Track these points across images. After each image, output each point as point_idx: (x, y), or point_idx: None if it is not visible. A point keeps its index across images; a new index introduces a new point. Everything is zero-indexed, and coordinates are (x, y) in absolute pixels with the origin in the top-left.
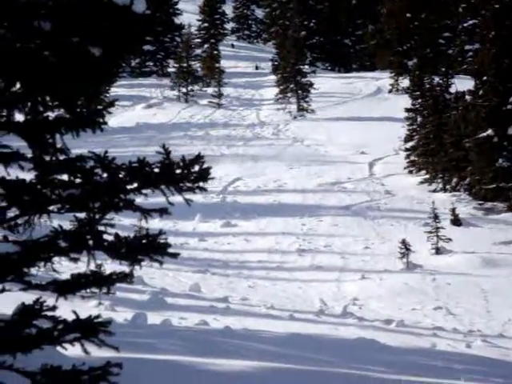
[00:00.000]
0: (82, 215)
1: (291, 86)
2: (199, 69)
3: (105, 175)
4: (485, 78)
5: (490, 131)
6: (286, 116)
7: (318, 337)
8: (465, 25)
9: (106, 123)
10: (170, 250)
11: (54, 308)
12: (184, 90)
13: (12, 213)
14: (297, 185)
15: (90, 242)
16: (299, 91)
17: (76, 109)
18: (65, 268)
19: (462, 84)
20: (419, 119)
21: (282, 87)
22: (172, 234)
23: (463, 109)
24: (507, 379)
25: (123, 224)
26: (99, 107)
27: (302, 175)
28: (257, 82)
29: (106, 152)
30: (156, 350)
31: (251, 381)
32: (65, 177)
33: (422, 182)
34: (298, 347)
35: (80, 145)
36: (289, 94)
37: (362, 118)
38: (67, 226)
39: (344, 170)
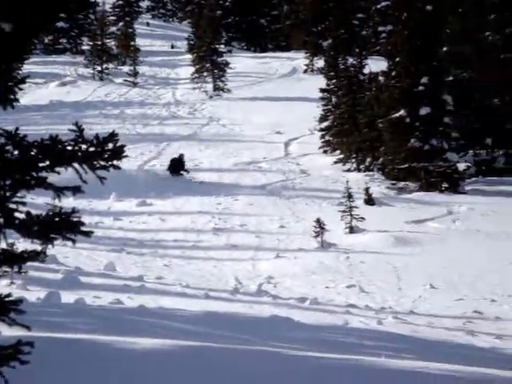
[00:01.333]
0: None
1: (207, 65)
2: (114, 47)
3: (16, 152)
4: (397, 59)
5: (402, 112)
6: (202, 95)
7: (232, 315)
8: (378, 6)
9: (17, 100)
10: (84, 229)
11: None
12: (99, 68)
13: None
14: (213, 164)
15: (1, 220)
16: (215, 70)
17: None
18: None
19: (376, 65)
20: (334, 99)
21: (197, 66)
22: (87, 213)
23: (376, 90)
24: (417, 354)
25: (36, 202)
26: (10, 84)
27: (218, 154)
28: (172, 60)
29: (17, 129)
30: (69, 329)
31: (164, 359)
32: None
33: (336, 162)
34: (212, 325)
35: None
36: (205, 74)
37: (278, 97)
38: None
39: (260, 149)
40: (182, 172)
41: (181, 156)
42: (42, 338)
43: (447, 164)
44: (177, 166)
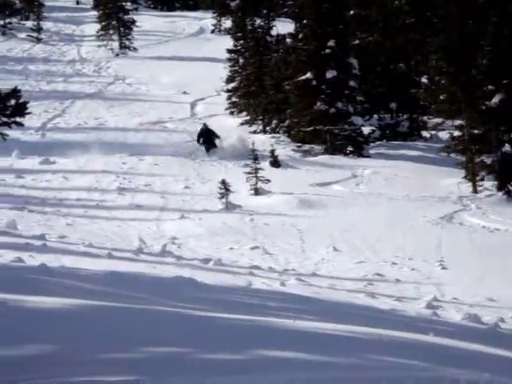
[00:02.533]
0: None
1: (113, 22)
2: (17, 1)
3: None
4: (305, 21)
5: (309, 74)
6: (108, 53)
7: (135, 275)
8: None
9: None
10: None
11: None
12: (1, 22)
13: None
14: (118, 123)
15: None
16: (121, 28)
17: None
18: None
19: (284, 27)
20: (241, 61)
21: (103, 23)
22: None
23: (284, 52)
24: (318, 315)
25: None
26: None
27: (124, 114)
28: (78, 17)
29: None
30: None
31: (62, 317)
32: None
33: (242, 124)
34: (115, 285)
35: None
36: (111, 31)
37: (185, 57)
38: None
39: (166, 109)
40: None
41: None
42: None
43: (352, 127)
44: (208, 137)
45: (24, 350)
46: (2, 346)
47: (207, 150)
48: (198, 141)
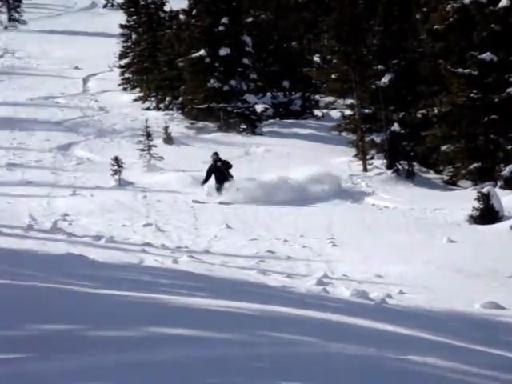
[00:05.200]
0: None
1: None
2: None
3: None
4: None
5: (202, 51)
6: None
7: (25, 251)
8: None
9: None
10: None
11: None
12: None
13: None
14: (7, 98)
15: None
16: (10, 0)
17: None
18: None
19: (177, 2)
20: (134, 36)
21: None
22: None
23: (177, 28)
24: (210, 292)
25: None
26: None
27: (13, 88)
28: None
29: None
30: None
31: None
32: None
33: (136, 100)
34: (3, 261)
35: None
36: None
37: (77, 32)
38: None
39: (57, 84)
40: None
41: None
42: None
43: (245, 105)
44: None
45: None
46: None
47: (218, 189)
48: (204, 181)
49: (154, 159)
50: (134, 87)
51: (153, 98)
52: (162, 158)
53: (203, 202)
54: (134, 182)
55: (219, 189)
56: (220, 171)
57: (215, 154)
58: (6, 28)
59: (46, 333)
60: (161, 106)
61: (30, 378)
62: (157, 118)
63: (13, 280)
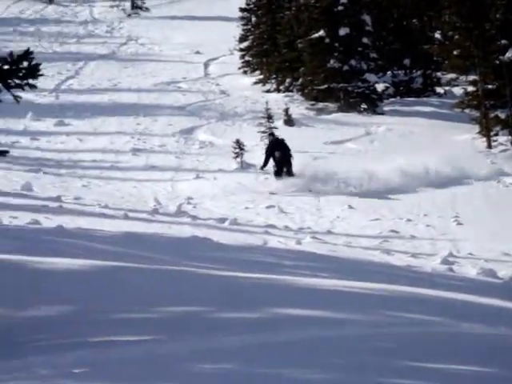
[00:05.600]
0: None
1: None
2: None
3: None
4: None
5: (321, 32)
6: (120, 14)
7: (151, 235)
8: None
9: None
10: None
11: None
12: None
13: None
14: (132, 84)
15: None
16: None
17: None
18: None
19: None
20: (254, 19)
21: None
22: (3, 133)
23: (296, 9)
24: (334, 273)
25: None
26: None
27: (137, 74)
28: None
29: None
30: None
31: (80, 278)
32: None
33: (256, 83)
34: (131, 246)
35: None
36: None
37: (198, 17)
38: None
39: (179, 69)
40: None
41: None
42: None
43: (366, 85)
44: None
45: (42, 311)
46: (21, 307)
47: (278, 173)
48: (263, 165)
49: None
50: (254, 70)
51: (273, 80)
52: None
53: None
54: (255, 164)
55: (280, 173)
56: (282, 149)
57: (271, 134)
58: (129, 15)
59: (174, 315)
60: (281, 87)
61: (160, 360)
62: (277, 100)
63: (142, 263)
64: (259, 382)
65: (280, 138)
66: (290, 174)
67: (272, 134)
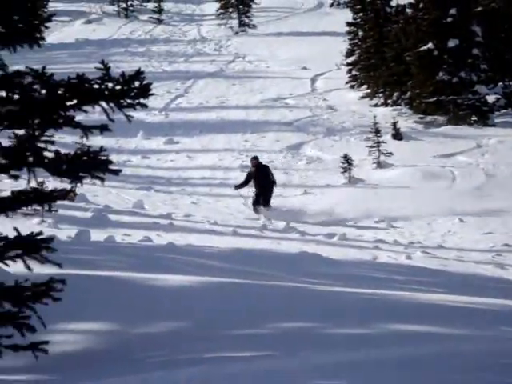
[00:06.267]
0: (21, 132)
1: (232, 0)
2: None
3: (43, 91)
4: None
5: (430, 44)
6: (228, 31)
7: (261, 251)
8: None
9: (43, 38)
10: (112, 167)
11: None
12: (124, 5)
13: None
14: (239, 101)
15: (30, 159)
16: (240, 6)
17: (12, 23)
18: (5, 185)
19: None
20: (360, 33)
21: (223, 2)
22: (114, 152)
23: (404, 22)
24: (447, 288)
25: (65, 141)
26: (36, 22)
27: (245, 91)
28: None
29: (44, 68)
30: (99, 267)
31: (192, 295)
32: (2, 93)
33: (363, 97)
34: (241, 262)
35: (19, 61)
36: (230, 9)
37: (304, 32)
38: (6, 143)
39: (286, 85)
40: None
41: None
42: (74, 276)
43: (476, 96)
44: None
45: (156, 328)
46: (136, 323)
47: (256, 203)
48: (239, 186)
49: (383, 155)
50: (361, 84)
51: (380, 94)
52: (391, 153)
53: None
54: (363, 178)
55: (258, 200)
56: (264, 176)
57: (255, 158)
58: (236, 33)
59: (289, 330)
60: (388, 101)
61: (274, 376)
62: (385, 114)
63: (253, 279)
64: None
65: (263, 164)
66: (266, 203)
67: (255, 158)
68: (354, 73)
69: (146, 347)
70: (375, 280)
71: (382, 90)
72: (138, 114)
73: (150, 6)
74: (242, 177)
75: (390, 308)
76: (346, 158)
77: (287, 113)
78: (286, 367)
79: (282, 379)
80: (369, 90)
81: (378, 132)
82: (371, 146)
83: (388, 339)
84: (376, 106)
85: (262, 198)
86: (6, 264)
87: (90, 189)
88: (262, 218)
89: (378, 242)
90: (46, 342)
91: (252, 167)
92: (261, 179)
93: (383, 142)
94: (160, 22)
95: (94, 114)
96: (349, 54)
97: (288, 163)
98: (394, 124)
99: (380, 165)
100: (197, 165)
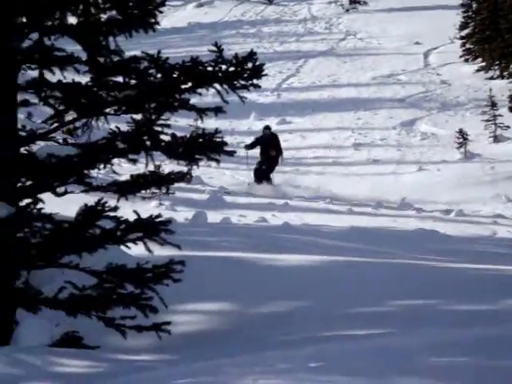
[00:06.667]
0: (138, 116)
1: None
2: None
3: (159, 75)
4: None
5: None
6: (338, 9)
7: (377, 229)
8: None
9: (157, 23)
10: (227, 149)
11: (115, 208)
12: None
13: (70, 116)
14: (351, 79)
15: (148, 143)
16: None
17: (127, 10)
18: (124, 170)
19: None
20: (474, 5)
21: None
22: (227, 134)
23: None
24: None
25: (179, 125)
26: (150, 7)
27: (356, 69)
28: None
29: (159, 52)
30: (217, 248)
31: (308, 274)
32: (119, 78)
33: (478, 70)
34: (357, 240)
35: (133, 47)
36: None
37: (415, 7)
38: (124, 127)
39: (398, 61)
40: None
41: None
42: (193, 257)
43: None
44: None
45: (272, 307)
46: (252, 303)
47: (257, 171)
48: (249, 146)
49: (499, 129)
50: (475, 57)
51: (496, 67)
52: (508, 127)
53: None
54: (480, 153)
55: (259, 169)
56: (272, 143)
57: (267, 127)
58: (347, 10)
59: (403, 308)
60: (504, 73)
61: (394, 354)
62: (501, 87)
63: (370, 257)
64: (500, 376)
65: (273, 133)
66: (267, 173)
67: (268, 128)
68: (468, 46)
69: (262, 327)
70: (496, 256)
71: (497, 62)
72: (250, 95)
73: None
74: (355, 155)
75: (505, 284)
76: (462, 133)
77: (400, 89)
78: (401, 345)
79: (398, 357)
80: (484, 63)
81: (494, 105)
82: (487, 120)
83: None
84: (491, 78)
85: (266, 167)
86: (128, 246)
87: (205, 171)
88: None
89: (497, 216)
90: (168, 323)
91: (265, 135)
92: (268, 148)
93: (500, 116)
94: (270, 2)
95: (206, 97)
96: (462, 26)
97: (402, 140)
98: (511, 96)
99: (497, 139)
100: (310, 144)
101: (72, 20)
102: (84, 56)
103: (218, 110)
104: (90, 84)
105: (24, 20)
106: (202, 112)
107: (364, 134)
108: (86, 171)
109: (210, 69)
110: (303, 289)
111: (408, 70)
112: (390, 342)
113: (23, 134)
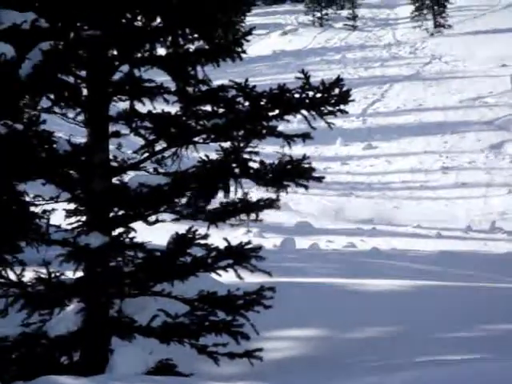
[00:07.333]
0: (226, 144)
1: (427, 1)
2: None
3: (246, 103)
4: None
5: None
6: (423, 33)
7: (466, 253)
8: None
9: (244, 52)
10: (315, 175)
11: (206, 236)
12: (318, 14)
13: (159, 146)
14: (437, 102)
15: (237, 170)
16: (435, 7)
17: (215, 39)
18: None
19: None
20: None
21: (417, 4)
22: (315, 159)
23: None
24: None
25: (266, 152)
26: (237, 36)
27: (442, 92)
28: (391, 0)
29: (246, 80)
30: (306, 273)
31: (400, 299)
32: (208, 107)
33: None
34: (447, 264)
35: (220, 75)
36: (424, 11)
37: (502, 29)
38: (213, 155)
39: (485, 84)
40: None
41: None
42: (283, 283)
43: None
44: None
45: (367, 333)
46: (346, 328)
47: None
48: None
49: None
50: None
51: None
52: None
53: None
54: None
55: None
56: None
57: None
58: (431, 34)
59: (495, 333)
60: None
61: (492, 379)
62: None
63: (458, 282)
64: None
65: None
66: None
67: None
68: None
69: (357, 352)
70: None
71: None
72: (335, 121)
73: (344, 13)
74: (443, 178)
75: None
76: None
77: (487, 111)
78: (499, 371)
79: (498, 382)
80: None
81: None
82: None
83: None
84: None
85: None
86: (218, 274)
87: (293, 197)
88: None
89: None
90: (261, 349)
91: None
92: None
93: None
94: (354, 28)
95: (292, 124)
96: None
97: (490, 163)
98: None
99: None
100: (396, 169)
101: (161, 51)
102: (173, 86)
103: (305, 136)
104: (179, 113)
105: (115, 52)
106: (289, 138)
107: (452, 158)
108: (176, 200)
109: (297, 96)
110: (399, 313)
111: (495, 93)
112: (487, 368)
113: (115, 164)
